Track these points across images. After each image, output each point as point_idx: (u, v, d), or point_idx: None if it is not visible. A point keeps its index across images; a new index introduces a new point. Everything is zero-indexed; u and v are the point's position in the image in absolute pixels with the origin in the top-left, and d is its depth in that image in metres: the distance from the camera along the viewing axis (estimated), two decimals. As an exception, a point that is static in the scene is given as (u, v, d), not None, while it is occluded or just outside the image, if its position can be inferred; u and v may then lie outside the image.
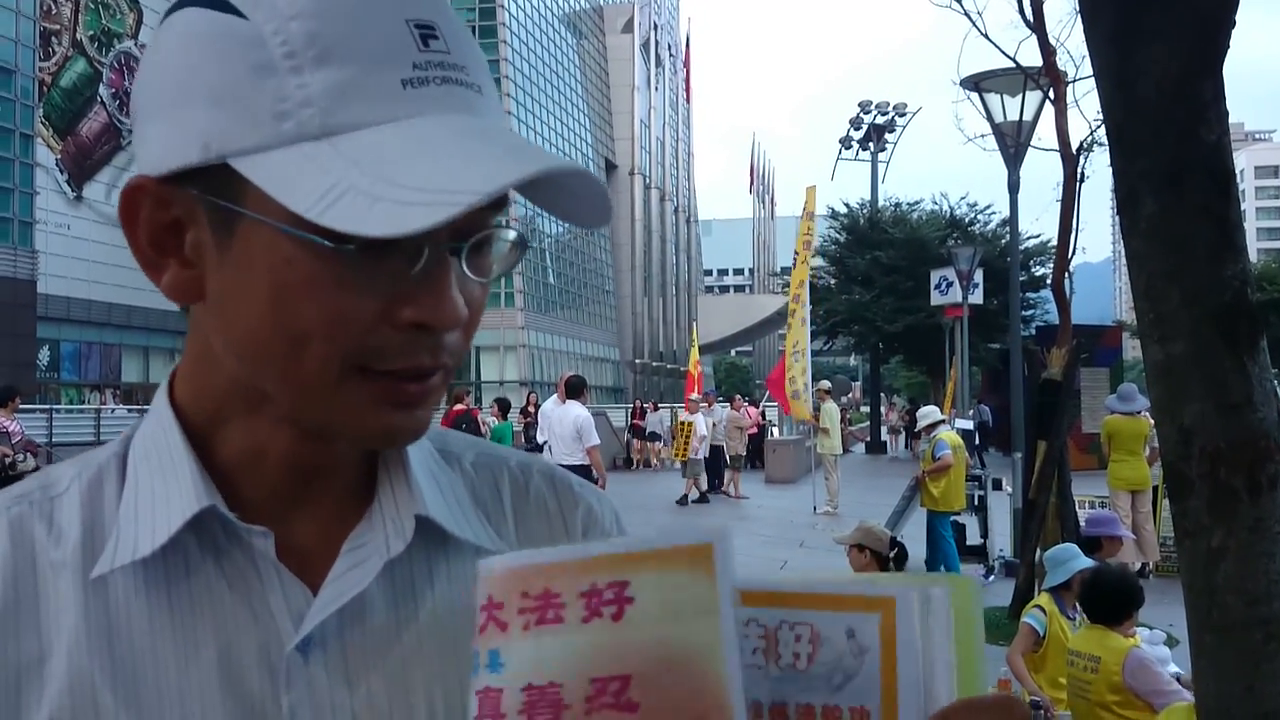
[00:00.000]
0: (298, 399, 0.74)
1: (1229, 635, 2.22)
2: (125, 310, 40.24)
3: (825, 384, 18.07)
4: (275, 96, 0.68)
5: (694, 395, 20.25)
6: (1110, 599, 5.02)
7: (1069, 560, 6.03)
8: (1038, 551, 7.18)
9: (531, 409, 19.73)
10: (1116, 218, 2.43)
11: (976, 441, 19.38)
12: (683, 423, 19.28)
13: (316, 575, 0.77)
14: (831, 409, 17.21)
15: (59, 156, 38.84)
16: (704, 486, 18.26)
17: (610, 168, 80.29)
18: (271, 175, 0.68)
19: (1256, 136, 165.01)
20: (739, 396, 20.99)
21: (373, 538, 0.79)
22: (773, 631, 0.64)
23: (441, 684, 0.78)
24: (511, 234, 0.77)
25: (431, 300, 0.71)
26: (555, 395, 11.39)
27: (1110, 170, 2.45)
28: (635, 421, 23.59)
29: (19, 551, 0.77)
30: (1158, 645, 5.06)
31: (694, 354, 21.20)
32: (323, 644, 0.76)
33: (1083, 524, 7.60)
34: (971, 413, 21.26)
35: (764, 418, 25.82)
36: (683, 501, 17.67)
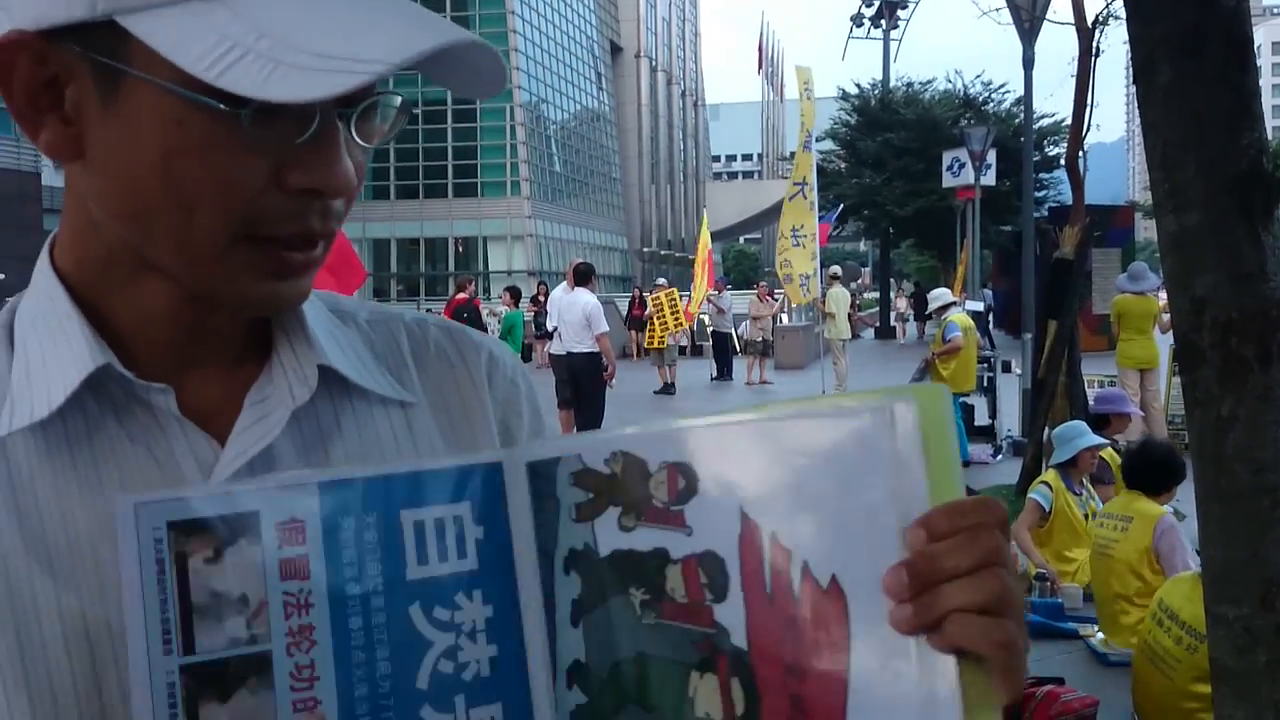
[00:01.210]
0: (184, 264, 0.73)
1: (1236, 503, 2.25)
2: (131, 203, 40.04)
3: (835, 269, 17.99)
4: None
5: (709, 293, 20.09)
6: (1155, 469, 5.12)
7: (1076, 437, 6.09)
8: (1046, 430, 7.23)
9: (541, 298, 19.70)
10: (1132, 96, 2.39)
11: (987, 323, 19.36)
12: (660, 297, 18.95)
13: (220, 431, 0.77)
14: (839, 294, 17.16)
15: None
16: (670, 378, 18.04)
17: (615, 50, 78.81)
18: (164, 34, 0.66)
19: (1274, 12, 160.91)
20: (763, 284, 20.84)
21: (274, 390, 0.79)
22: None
23: None
24: (397, 99, 0.76)
25: (322, 165, 0.71)
26: (564, 283, 11.37)
27: (1127, 41, 2.40)
28: (635, 311, 23.37)
29: None
30: (1181, 522, 5.18)
31: (704, 238, 21.02)
32: None
33: (1091, 402, 7.64)
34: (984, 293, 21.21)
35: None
36: (664, 390, 17.61)
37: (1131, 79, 2.42)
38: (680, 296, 20.09)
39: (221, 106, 0.67)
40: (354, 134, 0.72)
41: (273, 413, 0.78)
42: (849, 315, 18.11)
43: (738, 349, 20.25)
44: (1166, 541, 4.93)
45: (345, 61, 0.65)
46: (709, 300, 19.96)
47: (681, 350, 23.64)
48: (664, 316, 18.51)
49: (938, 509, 0.63)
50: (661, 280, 21.11)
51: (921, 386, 0.64)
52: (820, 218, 17.53)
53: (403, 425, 0.85)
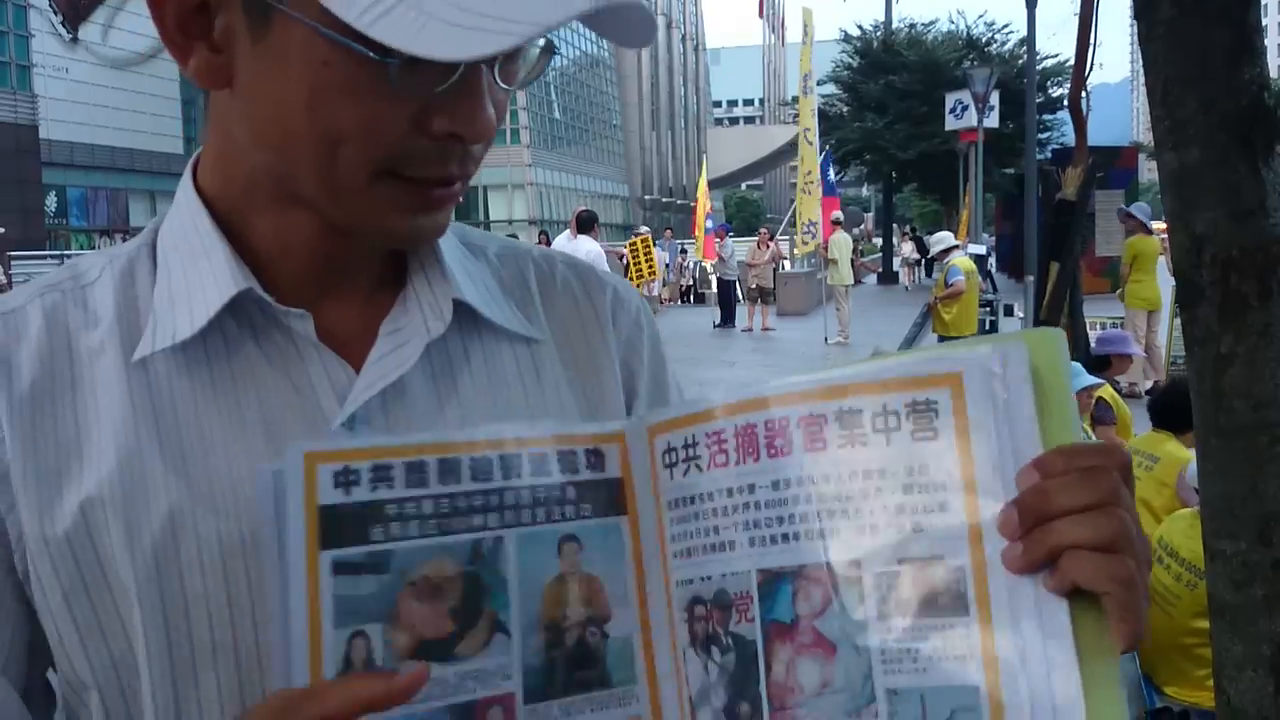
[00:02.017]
0: (327, 197, 0.74)
1: (1235, 439, 2.26)
2: (128, 153, 39.85)
3: (836, 215, 17.91)
4: None
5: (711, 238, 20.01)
6: (1181, 408, 5.12)
7: (1073, 378, 6.12)
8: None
9: (543, 246, 19.61)
10: (1135, 34, 2.37)
11: (989, 267, 19.31)
12: (635, 243, 18.67)
13: (354, 359, 0.79)
14: (842, 239, 17.10)
15: (50, -3, 37.83)
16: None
17: (615, -5, 77.77)
18: None
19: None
20: (764, 230, 20.72)
21: (409, 322, 0.81)
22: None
23: None
24: (541, 41, 0.75)
25: (466, 112, 0.71)
26: (567, 231, 11.34)
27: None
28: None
29: (54, 335, 0.78)
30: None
31: (702, 185, 20.91)
32: (367, 421, 0.77)
33: (1093, 344, 7.65)
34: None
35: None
36: None
37: (1134, 16, 2.39)
38: (654, 245, 19.87)
39: (370, 55, 0.66)
40: (496, 78, 0.73)
41: (408, 343, 0.80)
42: (852, 261, 18.05)
43: (740, 297, 20.21)
44: (1190, 491, 4.95)
45: (498, 21, 0.64)
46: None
47: (683, 297, 23.56)
48: (639, 264, 18.36)
49: (1053, 451, 0.61)
50: (644, 229, 20.93)
51: (1035, 331, 0.62)
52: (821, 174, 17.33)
53: (528, 363, 0.86)
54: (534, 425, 0.73)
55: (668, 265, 21.93)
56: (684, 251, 24.91)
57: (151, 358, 0.77)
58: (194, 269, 0.78)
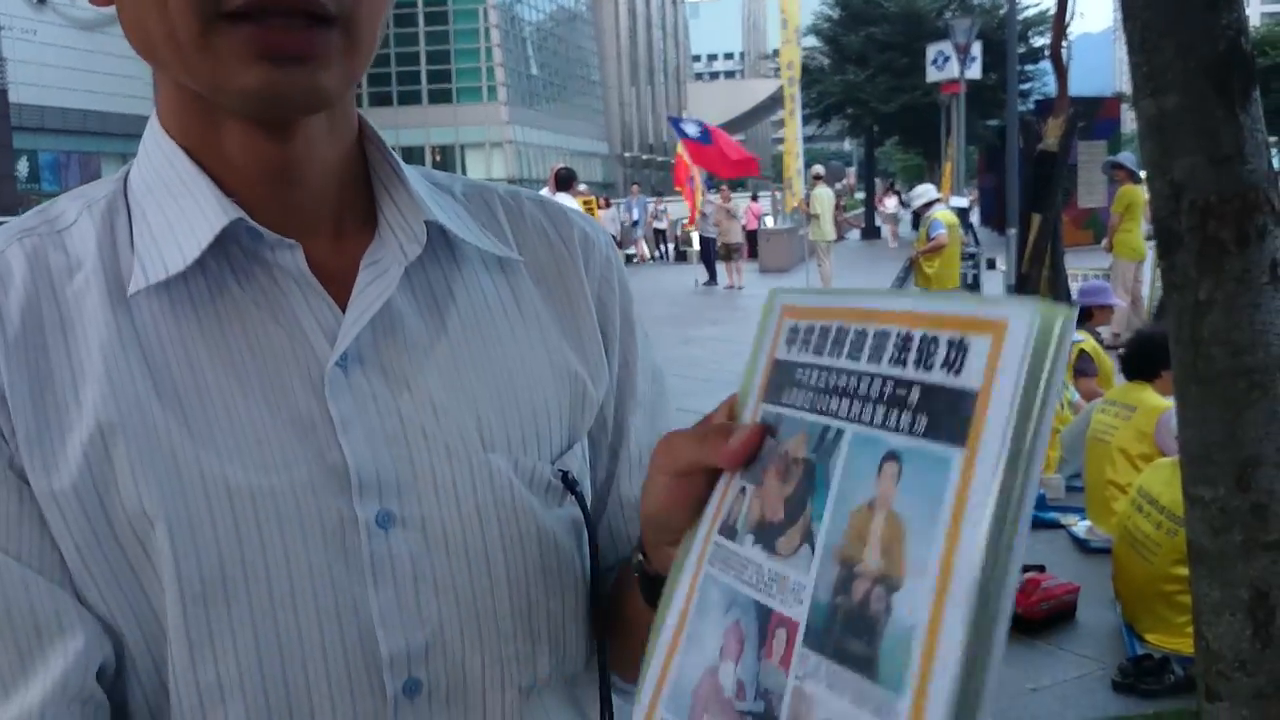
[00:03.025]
0: (178, 62, 0.71)
1: (1214, 385, 2.27)
2: (100, 116, 39.40)
3: (818, 168, 17.87)
4: None
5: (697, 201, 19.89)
6: (1150, 355, 5.16)
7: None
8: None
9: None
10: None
11: (973, 219, 19.32)
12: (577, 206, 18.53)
13: (337, 296, 0.78)
14: (824, 194, 17.06)
15: (16, -42, 37.20)
16: None
17: (592, -51, 77.03)
18: None
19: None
20: (725, 187, 20.57)
21: (386, 252, 0.79)
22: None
23: (480, 384, 0.80)
24: None
25: None
26: (545, 189, 11.29)
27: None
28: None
29: (38, 277, 0.76)
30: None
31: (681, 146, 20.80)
32: (360, 359, 0.77)
33: (1074, 296, 7.67)
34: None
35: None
36: None
37: (1112, -40, 2.37)
38: (616, 204, 19.61)
39: None
40: None
41: (387, 271, 0.78)
42: (834, 216, 18.04)
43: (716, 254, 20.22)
44: (1169, 432, 4.98)
45: None
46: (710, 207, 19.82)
47: (656, 255, 23.47)
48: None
49: None
50: (583, 187, 20.66)
51: (1057, 307, 0.51)
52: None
53: (507, 291, 0.85)
54: (905, 298, 0.60)
55: (636, 223, 21.79)
56: (665, 209, 24.80)
57: (137, 300, 0.75)
58: (174, 206, 0.76)
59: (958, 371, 0.53)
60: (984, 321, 0.52)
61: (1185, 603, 3.06)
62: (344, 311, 0.77)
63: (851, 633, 0.54)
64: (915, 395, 0.55)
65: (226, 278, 0.76)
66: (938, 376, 0.54)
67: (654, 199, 25.73)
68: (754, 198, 20.00)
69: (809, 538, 0.58)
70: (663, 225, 24.75)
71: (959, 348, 0.53)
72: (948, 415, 0.53)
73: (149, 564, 0.71)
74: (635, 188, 26.52)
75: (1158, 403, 5.08)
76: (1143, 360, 5.24)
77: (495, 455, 0.79)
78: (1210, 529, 2.31)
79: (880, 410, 0.57)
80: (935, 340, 0.55)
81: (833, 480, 0.58)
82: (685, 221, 21.85)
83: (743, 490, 0.65)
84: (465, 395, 0.79)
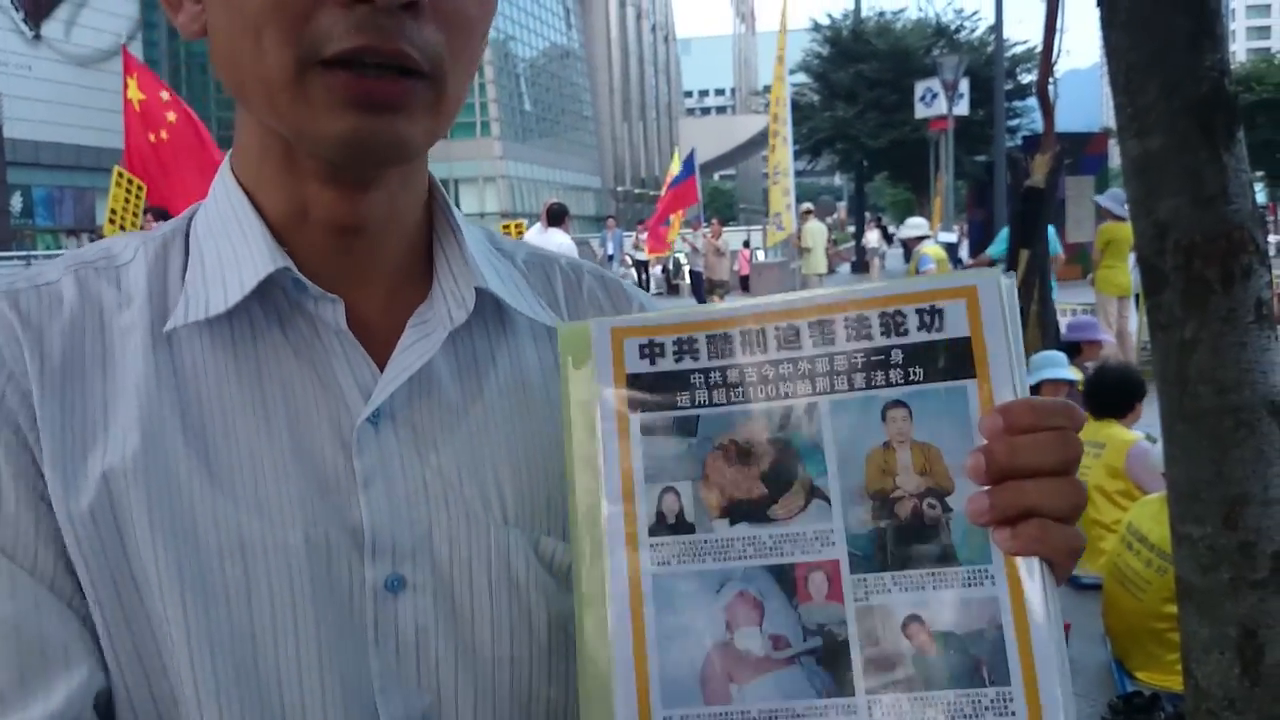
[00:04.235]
0: (268, 105, 0.72)
1: (1200, 423, 2.28)
2: (95, 152, 39.41)
3: (807, 205, 17.97)
4: None
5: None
6: (1113, 392, 5.18)
7: (1043, 367, 6.18)
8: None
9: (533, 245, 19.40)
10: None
11: (961, 253, 19.42)
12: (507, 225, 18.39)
13: (379, 351, 0.78)
14: (816, 228, 17.14)
15: (12, -7, 37.39)
16: None
17: (584, -14, 77.67)
18: None
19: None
20: (717, 220, 20.55)
21: (434, 314, 0.79)
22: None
23: (509, 454, 0.79)
24: None
25: None
26: (538, 224, 11.31)
27: (1093, -38, 2.38)
28: None
29: (88, 307, 0.77)
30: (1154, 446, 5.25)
31: (673, 173, 20.87)
32: (391, 416, 0.76)
33: (1063, 331, 7.69)
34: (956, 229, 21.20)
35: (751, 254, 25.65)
36: None
37: (1097, 3, 2.40)
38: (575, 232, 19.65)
39: None
40: None
41: (432, 334, 0.78)
42: (826, 250, 18.10)
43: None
44: (1140, 465, 4.99)
45: None
46: (683, 239, 19.85)
47: (644, 284, 23.42)
48: None
49: (1021, 402, 0.64)
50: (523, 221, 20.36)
51: (995, 272, 0.68)
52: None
53: (551, 362, 0.84)
54: (855, 290, 0.70)
55: (611, 257, 21.75)
56: (644, 237, 24.66)
57: (178, 336, 0.76)
58: (229, 248, 0.77)
59: (939, 329, 0.67)
60: (955, 290, 0.68)
61: (1175, 640, 3.05)
62: (382, 369, 0.77)
63: (914, 540, 0.65)
64: (898, 356, 0.68)
65: (269, 324, 0.77)
66: (919, 337, 0.67)
67: (634, 231, 25.35)
68: (746, 244, 20.00)
69: (815, 494, 0.68)
70: (643, 255, 24.70)
71: (933, 313, 0.68)
72: (946, 359, 0.67)
73: (158, 604, 0.71)
74: (611, 221, 25.78)
75: (1125, 436, 5.09)
76: (1108, 397, 5.25)
77: (515, 530, 0.78)
78: (1198, 567, 2.31)
79: (859, 377, 0.68)
80: (900, 313, 0.68)
81: (824, 443, 0.68)
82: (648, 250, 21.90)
83: (669, 490, 0.68)
84: (492, 465, 0.78)
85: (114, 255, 0.80)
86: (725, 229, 20.81)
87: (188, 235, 0.81)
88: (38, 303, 0.77)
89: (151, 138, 7.96)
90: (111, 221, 7.89)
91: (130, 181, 7.95)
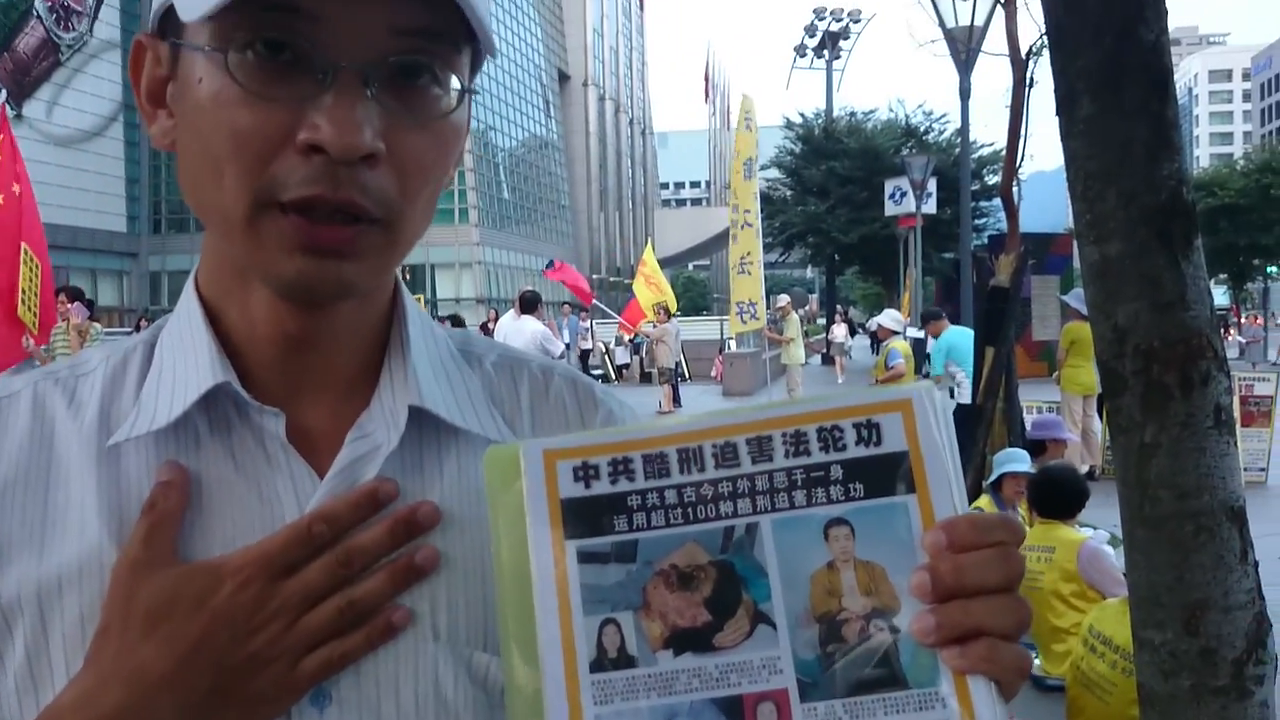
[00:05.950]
0: (225, 234, 0.74)
1: (1160, 528, 2.28)
2: (71, 231, 39.45)
3: (783, 298, 18.13)
4: None
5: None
6: (1058, 494, 5.19)
7: (1006, 463, 6.21)
8: (985, 455, 7.30)
9: (491, 324, 19.57)
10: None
11: (928, 349, 19.56)
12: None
13: (323, 460, 0.77)
14: (794, 319, 17.36)
15: (-6, 73, 37.69)
16: None
17: (563, 79, 79.05)
18: None
19: (1210, 40, 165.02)
20: (663, 310, 20.32)
21: (375, 428, 0.79)
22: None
23: (443, 571, 0.77)
24: (420, 64, 0.73)
25: (329, 122, 0.69)
26: (512, 311, 11.37)
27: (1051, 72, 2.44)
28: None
29: (37, 423, 0.78)
30: (1102, 544, 5.24)
31: (650, 260, 21.05)
32: None
33: (1028, 428, 7.73)
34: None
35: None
36: None
37: (1055, 112, 2.45)
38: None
39: (219, 53, 0.69)
40: (380, 95, 0.71)
41: (371, 452, 0.78)
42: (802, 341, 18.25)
43: (686, 375, 20.20)
44: (1094, 566, 4.97)
45: None
46: (647, 333, 19.89)
47: (601, 377, 23.38)
48: None
49: (963, 519, 0.64)
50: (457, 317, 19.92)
51: (926, 384, 0.68)
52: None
53: None
54: (791, 405, 0.69)
55: (568, 345, 21.66)
56: (588, 328, 24.42)
57: (124, 449, 0.76)
58: (182, 361, 0.79)
59: (878, 444, 0.67)
60: (890, 403, 0.67)
61: (1141, 746, 3.02)
62: (322, 477, 0.76)
63: (863, 664, 0.64)
64: (838, 472, 0.67)
65: (214, 436, 0.77)
66: (857, 452, 0.67)
67: (583, 317, 24.99)
68: (721, 351, 20.05)
69: (760, 619, 0.65)
70: (588, 345, 24.52)
71: (869, 427, 0.67)
72: (886, 474, 0.66)
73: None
74: (566, 307, 25.42)
75: (1074, 537, 5.09)
76: (1055, 498, 5.27)
77: (445, 647, 0.76)
78: (1160, 673, 2.29)
79: (800, 494, 0.67)
80: (838, 428, 0.67)
81: (768, 564, 0.66)
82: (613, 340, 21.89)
83: (609, 622, 0.66)
84: (426, 581, 0.77)
85: (79, 365, 0.83)
86: (698, 318, 20.84)
87: (153, 346, 0.82)
88: None
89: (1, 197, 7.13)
90: (23, 303, 7.15)
91: (31, 258, 7.25)
